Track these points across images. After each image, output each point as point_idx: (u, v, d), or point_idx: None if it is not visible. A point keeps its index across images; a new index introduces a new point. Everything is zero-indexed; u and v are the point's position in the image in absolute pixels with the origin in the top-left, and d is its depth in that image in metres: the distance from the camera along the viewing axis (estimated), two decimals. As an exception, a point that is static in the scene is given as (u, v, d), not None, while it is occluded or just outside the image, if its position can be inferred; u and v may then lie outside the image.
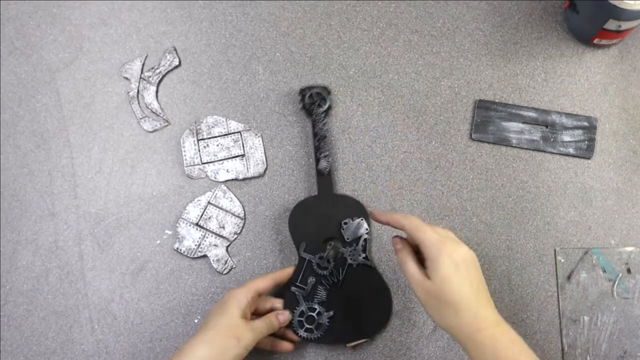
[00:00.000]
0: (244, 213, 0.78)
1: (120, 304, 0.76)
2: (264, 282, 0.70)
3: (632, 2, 0.68)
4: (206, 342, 0.63)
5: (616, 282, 0.74)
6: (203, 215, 0.77)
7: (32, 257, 0.77)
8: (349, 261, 0.74)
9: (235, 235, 0.77)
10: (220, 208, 0.77)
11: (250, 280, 0.71)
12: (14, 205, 0.79)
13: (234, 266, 0.76)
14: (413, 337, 0.74)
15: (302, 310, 0.72)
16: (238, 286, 0.69)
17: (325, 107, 0.79)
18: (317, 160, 0.77)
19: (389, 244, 0.76)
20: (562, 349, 0.73)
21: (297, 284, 0.73)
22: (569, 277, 0.74)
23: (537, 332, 0.73)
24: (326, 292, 0.73)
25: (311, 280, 0.73)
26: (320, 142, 0.77)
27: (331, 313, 0.73)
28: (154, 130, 0.80)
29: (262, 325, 0.68)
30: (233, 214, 0.77)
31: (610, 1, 0.69)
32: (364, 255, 0.74)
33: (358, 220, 0.75)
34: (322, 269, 0.74)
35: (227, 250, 0.77)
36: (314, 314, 0.72)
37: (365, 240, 0.74)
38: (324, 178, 0.77)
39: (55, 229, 0.78)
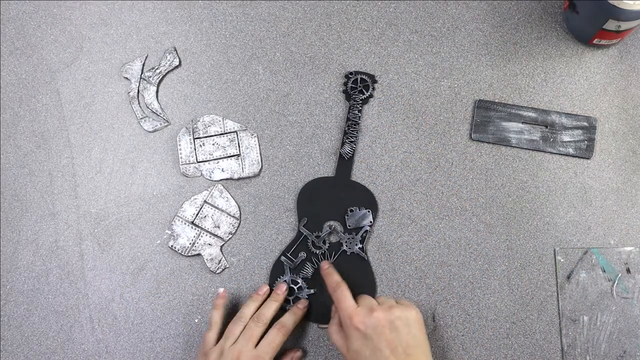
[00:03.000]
0: (240, 213, 0.78)
1: (121, 303, 0.76)
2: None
3: (632, 2, 0.68)
4: None
5: (616, 282, 0.74)
6: (199, 214, 0.77)
7: (32, 256, 0.77)
8: (344, 247, 0.75)
9: (230, 236, 0.77)
10: (216, 207, 0.77)
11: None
12: (15, 205, 0.79)
13: (227, 266, 0.76)
14: (413, 336, 0.74)
15: (285, 281, 0.74)
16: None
17: (367, 94, 0.79)
18: (343, 143, 0.78)
19: (389, 245, 0.76)
20: (562, 349, 0.73)
21: (288, 254, 0.75)
22: (568, 277, 0.74)
23: (537, 332, 0.73)
24: (313, 270, 0.75)
25: (302, 255, 0.75)
26: (350, 128, 0.78)
27: (312, 291, 0.74)
28: (154, 130, 0.80)
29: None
30: (228, 214, 0.77)
31: (610, 1, 0.69)
32: (360, 245, 0.75)
33: (365, 211, 0.76)
34: (316, 248, 0.75)
35: (221, 250, 0.77)
36: (294, 287, 0.74)
37: (365, 232, 0.75)
38: (344, 162, 0.78)
39: (56, 229, 0.78)
